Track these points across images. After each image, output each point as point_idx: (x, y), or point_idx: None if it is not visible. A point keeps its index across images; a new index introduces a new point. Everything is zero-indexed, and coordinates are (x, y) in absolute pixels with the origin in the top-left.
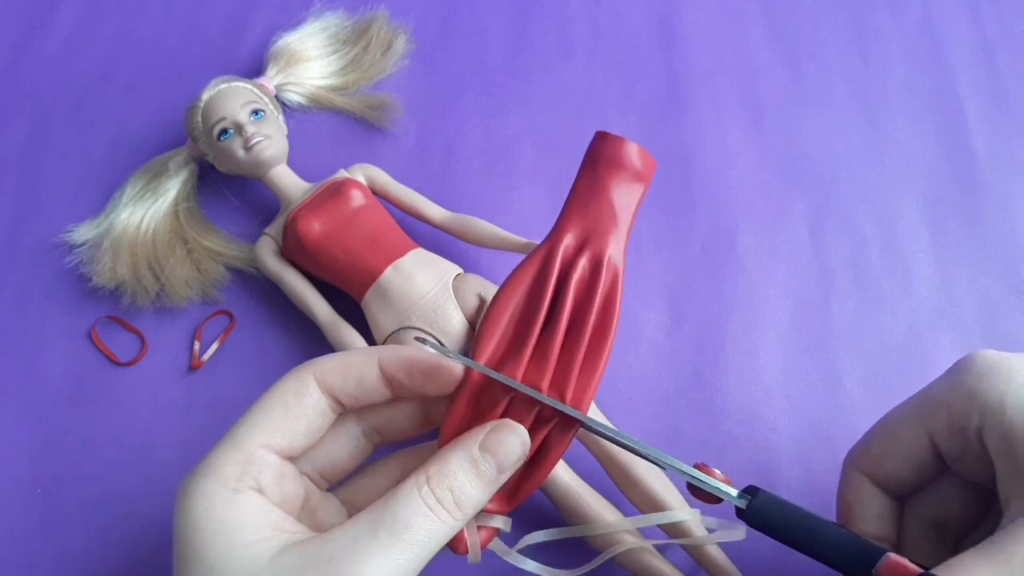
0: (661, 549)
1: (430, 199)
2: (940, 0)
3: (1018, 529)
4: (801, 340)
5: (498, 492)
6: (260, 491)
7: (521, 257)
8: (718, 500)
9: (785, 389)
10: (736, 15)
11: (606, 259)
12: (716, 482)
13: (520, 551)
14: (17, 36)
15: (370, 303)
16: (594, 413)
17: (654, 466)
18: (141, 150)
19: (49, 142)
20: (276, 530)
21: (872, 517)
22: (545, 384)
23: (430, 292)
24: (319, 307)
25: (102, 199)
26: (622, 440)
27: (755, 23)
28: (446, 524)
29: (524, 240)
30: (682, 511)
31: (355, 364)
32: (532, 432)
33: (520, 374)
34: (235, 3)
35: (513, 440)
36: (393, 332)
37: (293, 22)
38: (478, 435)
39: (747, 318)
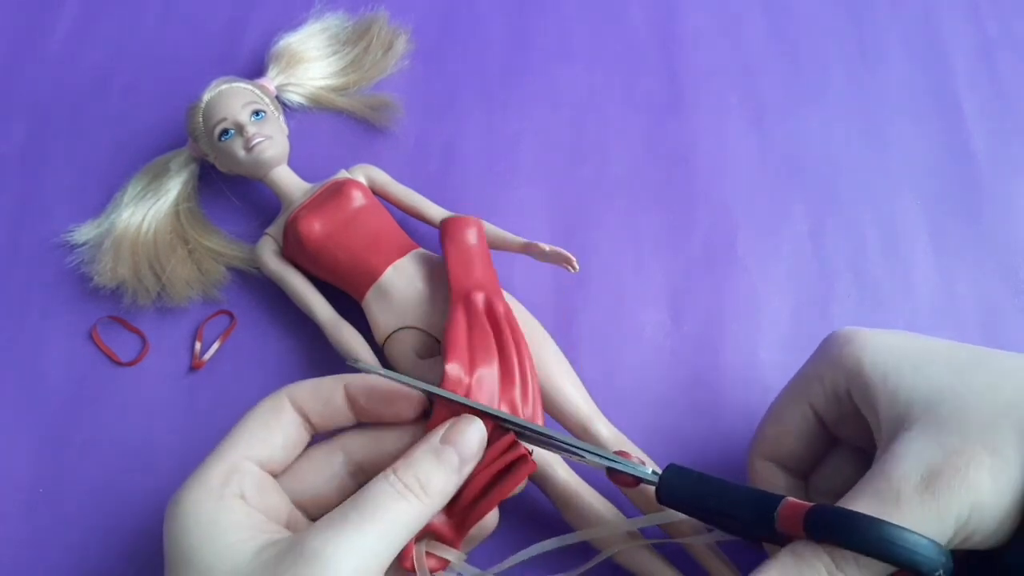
0: (659, 548)
1: (430, 199)
2: (940, 0)
3: (887, 456)
4: (801, 340)
5: (451, 517)
6: (242, 498)
7: (522, 257)
8: (636, 482)
9: None
10: (736, 15)
11: (495, 299)
12: (631, 464)
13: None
14: (18, 36)
15: (370, 303)
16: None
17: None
18: (142, 150)
19: (50, 142)
20: (258, 531)
21: (774, 479)
22: (517, 396)
23: (430, 292)
24: (320, 307)
25: (103, 199)
26: (535, 430)
27: (755, 23)
28: (413, 506)
29: (524, 240)
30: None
31: (324, 387)
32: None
33: (496, 393)
34: (236, 4)
35: (471, 431)
36: (393, 332)
37: (294, 23)
38: (440, 430)
39: (747, 318)
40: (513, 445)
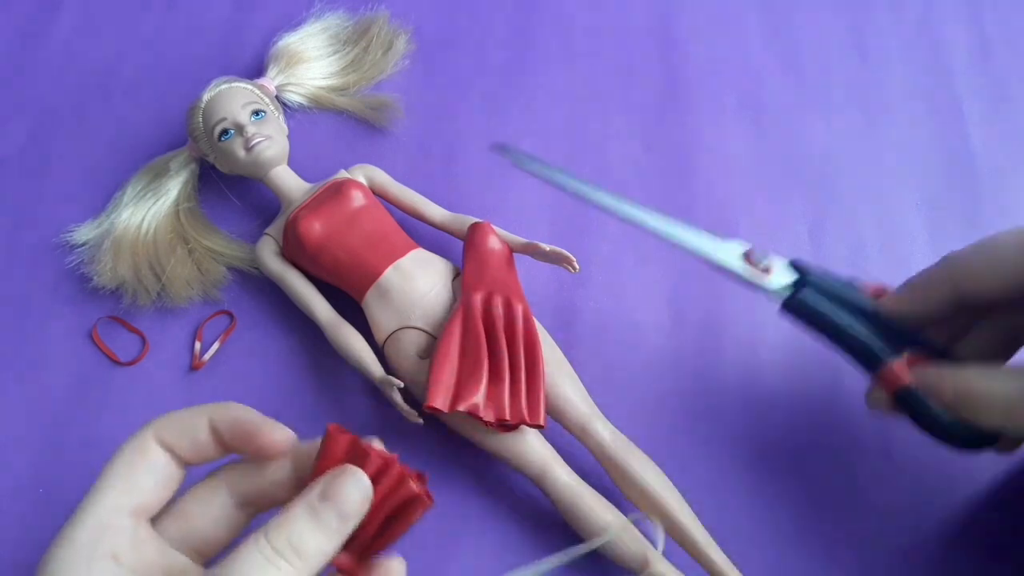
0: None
1: (430, 199)
2: (940, 0)
3: None
4: (801, 340)
5: (351, 546)
6: (114, 558)
7: (522, 257)
8: None
9: (786, 390)
10: (736, 15)
11: (514, 300)
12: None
13: None
14: (18, 36)
15: (370, 303)
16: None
17: (651, 465)
18: (142, 150)
19: (50, 142)
20: None
21: (926, 306)
22: (506, 399)
23: (430, 292)
24: (320, 307)
25: (103, 199)
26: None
27: (755, 23)
28: (287, 574)
29: (524, 240)
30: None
31: (187, 421)
32: (394, 484)
33: (481, 393)
34: (236, 4)
35: (351, 487)
36: (393, 332)
37: (294, 23)
38: (317, 485)
39: (747, 318)
40: (402, 482)
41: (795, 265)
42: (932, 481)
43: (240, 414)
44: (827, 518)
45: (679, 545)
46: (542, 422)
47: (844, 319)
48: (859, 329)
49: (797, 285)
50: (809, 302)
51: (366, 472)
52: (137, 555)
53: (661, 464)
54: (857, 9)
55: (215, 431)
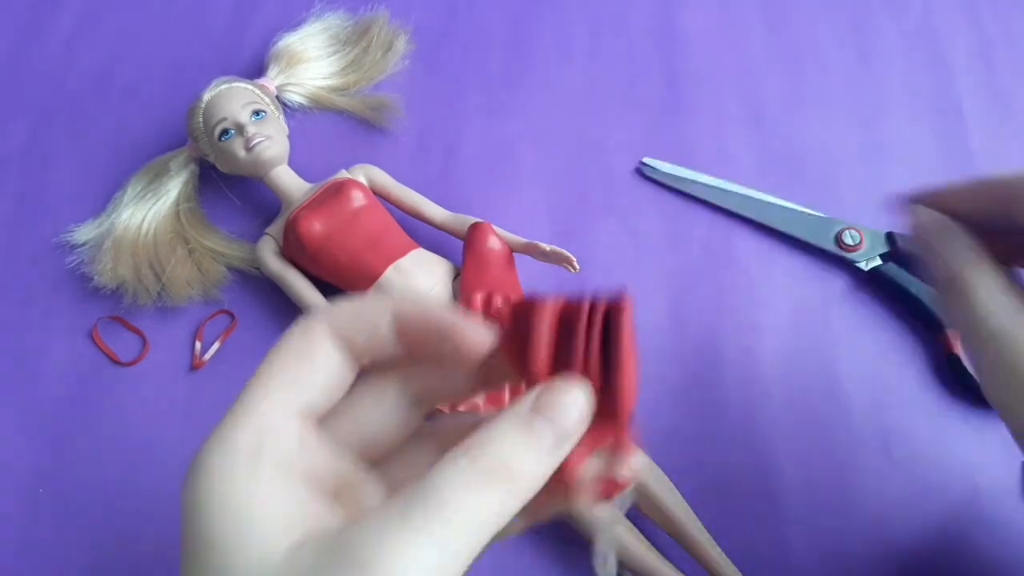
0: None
1: (430, 199)
2: (940, 0)
3: None
4: (802, 341)
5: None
6: (280, 465)
7: (522, 257)
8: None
9: (786, 389)
10: (736, 15)
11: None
12: None
13: None
14: (18, 36)
15: None
16: None
17: (653, 466)
18: (142, 151)
19: (50, 142)
20: (297, 517)
21: (977, 207)
22: (506, 396)
23: (431, 292)
24: (320, 307)
25: (103, 199)
26: None
27: (755, 23)
28: (495, 499)
29: (525, 240)
30: None
31: (367, 312)
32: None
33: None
34: (236, 4)
35: (572, 399)
36: None
37: (294, 23)
38: (528, 397)
39: (747, 318)
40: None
41: (889, 236)
42: (931, 478)
43: (431, 308)
44: (828, 517)
45: (678, 543)
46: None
47: (917, 289)
48: (927, 299)
49: (884, 258)
50: (890, 274)
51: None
52: (304, 462)
53: (660, 463)
54: (857, 9)
55: (399, 327)
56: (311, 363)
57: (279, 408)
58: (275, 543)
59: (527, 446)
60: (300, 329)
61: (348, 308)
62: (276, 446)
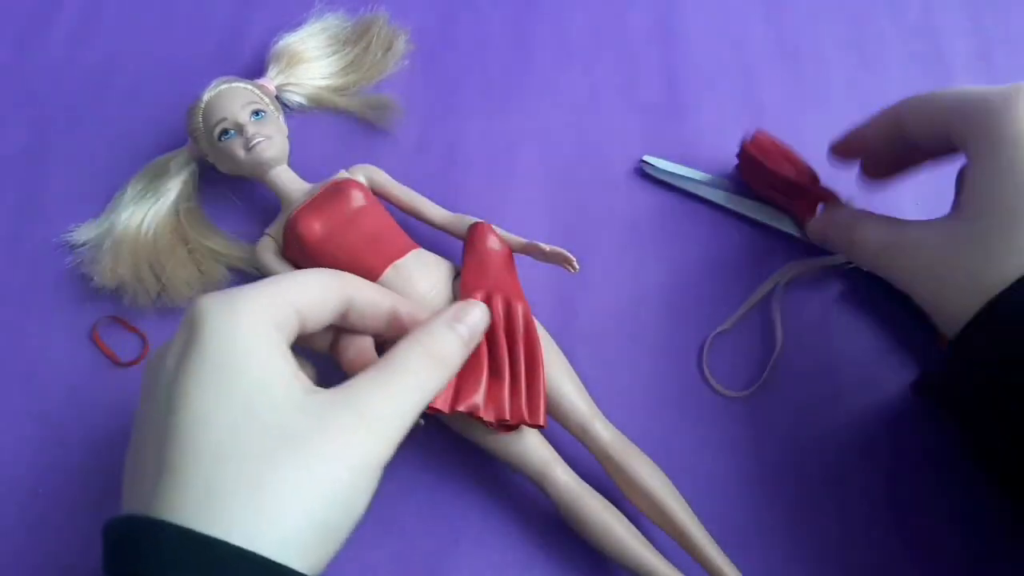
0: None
1: (430, 199)
2: (940, 0)
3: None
4: (802, 338)
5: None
6: (288, 339)
7: (522, 257)
8: None
9: (787, 388)
10: (736, 15)
11: (516, 305)
12: None
13: None
14: (18, 36)
15: None
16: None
17: (651, 465)
18: (142, 151)
19: (50, 143)
20: (298, 371)
21: (868, 139)
22: (506, 399)
23: (430, 292)
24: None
25: (103, 199)
26: None
27: (755, 23)
28: (436, 373)
29: (525, 240)
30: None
31: (379, 295)
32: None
33: (481, 393)
34: (236, 4)
35: (477, 311)
36: None
37: (294, 23)
38: (450, 309)
39: (746, 319)
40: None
41: None
42: (935, 475)
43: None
44: (829, 515)
45: (679, 545)
46: (542, 422)
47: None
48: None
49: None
50: None
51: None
52: (290, 341)
53: (660, 463)
54: (857, 9)
55: (394, 315)
56: (327, 299)
57: (292, 305)
58: (295, 385)
59: (453, 341)
60: (331, 274)
61: (360, 284)
62: (284, 326)
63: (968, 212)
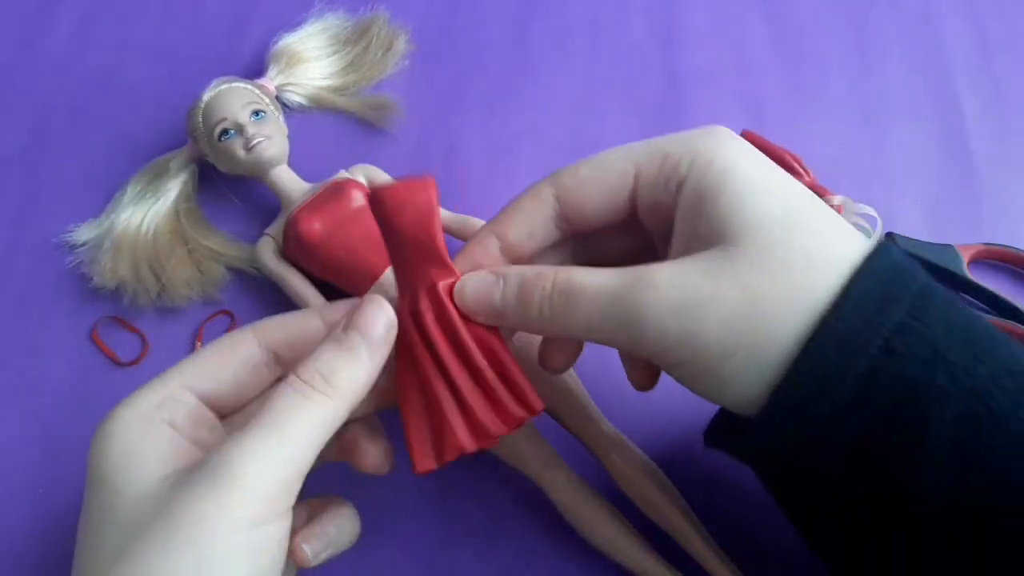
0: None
1: None
2: (940, 0)
3: (659, 264)
4: None
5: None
6: (172, 425)
7: None
8: None
9: None
10: (736, 15)
11: (437, 286)
12: None
13: None
14: (18, 36)
15: None
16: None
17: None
18: (142, 151)
19: (50, 142)
20: (177, 457)
21: (526, 225)
22: (487, 414)
23: None
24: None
25: (103, 199)
26: None
27: (755, 23)
28: (320, 405)
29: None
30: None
31: (296, 318)
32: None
33: (460, 428)
34: (236, 4)
35: (373, 310)
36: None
37: (294, 23)
38: (345, 318)
39: None
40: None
41: (889, 237)
42: None
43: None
44: None
45: (679, 544)
46: (539, 407)
47: None
48: None
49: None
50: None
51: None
52: (193, 431)
53: (661, 463)
54: (857, 8)
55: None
56: (229, 361)
57: (184, 387)
58: (151, 474)
59: (344, 359)
60: (232, 335)
61: (277, 318)
62: (171, 411)
63: (699, 246)
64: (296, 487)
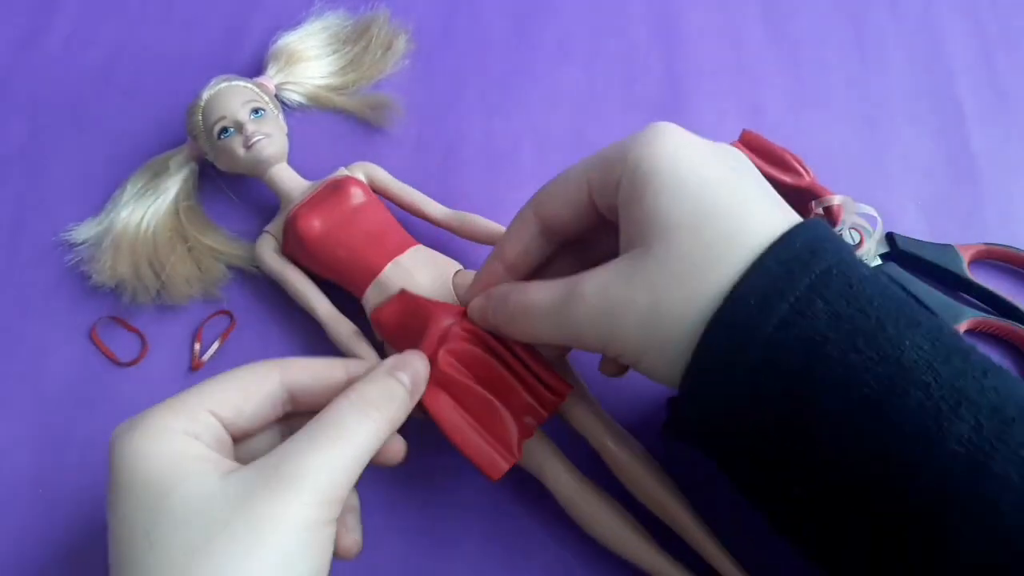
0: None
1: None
2: (940, 0)
3: (592, 271)
4: None
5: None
6: (194, 435)
7: None
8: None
9: None
10: (736, 15)
11: (460, 321)
12: None
13: None
14: (18, 36)
15: (370, 299)
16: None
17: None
18: (141, 150)
19: (50, 141)
20: (221, 462)
21: (519, 244)
22: (530, 402)
23: (430, 288)
24: (320, 304)
25: (102, 198)
26: None
27: (755, 23)
28: (373, 426)
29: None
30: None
31: (321, 365)
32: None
33: (511, 425)
34: (236, 4)
35: (418, 362)
36: None
37: (294, 22)
38: (389, 360)
39: None
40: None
41: (889, 237)
42: None
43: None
44: None
45: (681, 538)
46: (571, 386)
47: (916, 289)
48: (927, 299)
49: (884, 258)
50: (890, 274)
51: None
52: (219, 448)
53: (662, 461)
54: (857, 9)
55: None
56: (252, 394)
57: (208, 411)
58: (210, 473)
59: (395, 389)
60: (259, 364)
61: (303, 360)
62: (195, 429)
63: (632, 249)
64: (348, 492)
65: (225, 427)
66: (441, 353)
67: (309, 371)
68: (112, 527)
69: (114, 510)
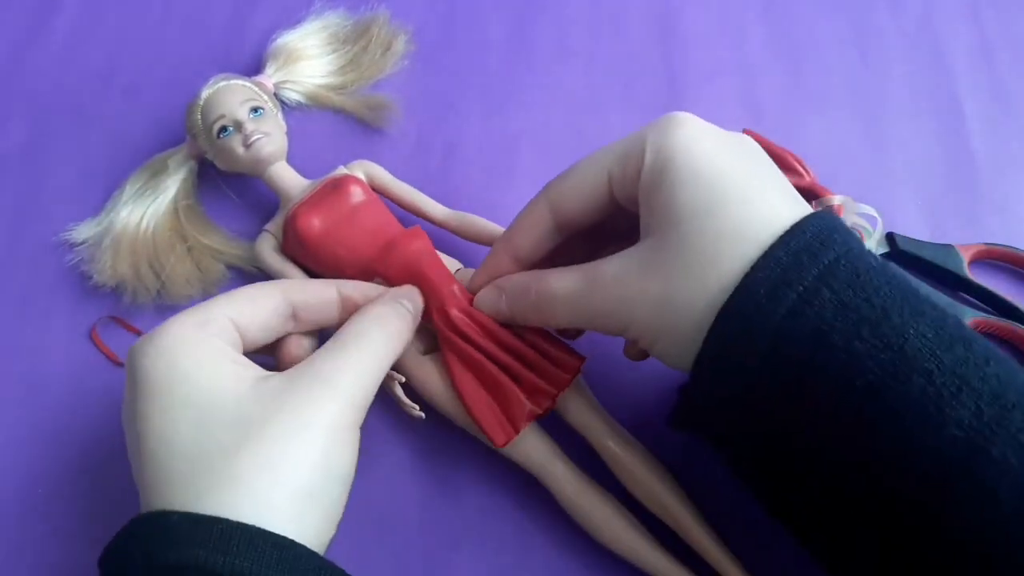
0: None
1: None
2: (940, 0)
3: (610, 258)
4: None
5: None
6: (218, 335)
7: None
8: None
9: None
10: (736, 15)
11: (463, 302)
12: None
13: None
14: (18, 36)
15: None
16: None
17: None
18: (141, 149)
19: (49, 141)
20: (249, 365)
21: (532, 237)
22: (540, 381)
23: None
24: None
25: (102, 198)
26: None
27: (755, 23)
28: (391, 343)
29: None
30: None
31: (317, 284)
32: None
33: (523, 399)
34: (236, 3)
35: (415, 294)
36: None
37: (293, 21)
38: (393, 291)
39: None
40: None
41: (889, 237)
42: None
43: (370, 289)
44: None
45: (681, 537)
46: (583, 359)
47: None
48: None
49: (884, 257)
50: None
51: None
52: (235, 349)
53: (662, 459)
54: (857, 9)
55: (344, 297)
56: (261, 306)
57: (225, 316)
58: (242, 376)
59: (403, 315)
60: (260, 286)
61: (299, 280)
62: (217, 329)
63: (649, 238)
64: (371, 399)
65: (241, 336)
66: (454, 312)
67: (304, 290)
68: (143, 433)
69: (146, 416)
